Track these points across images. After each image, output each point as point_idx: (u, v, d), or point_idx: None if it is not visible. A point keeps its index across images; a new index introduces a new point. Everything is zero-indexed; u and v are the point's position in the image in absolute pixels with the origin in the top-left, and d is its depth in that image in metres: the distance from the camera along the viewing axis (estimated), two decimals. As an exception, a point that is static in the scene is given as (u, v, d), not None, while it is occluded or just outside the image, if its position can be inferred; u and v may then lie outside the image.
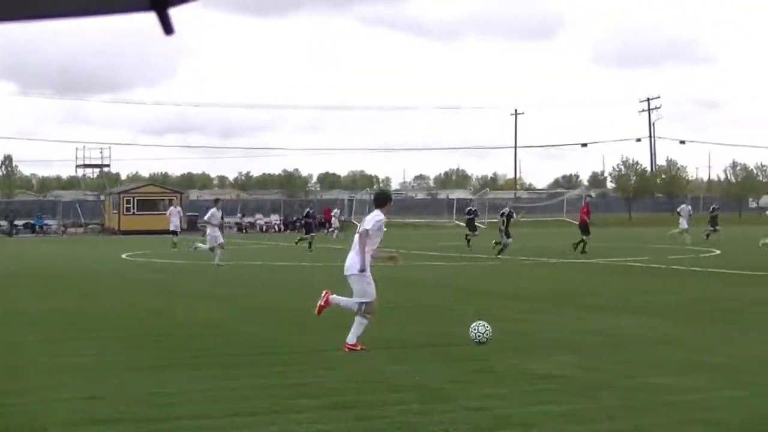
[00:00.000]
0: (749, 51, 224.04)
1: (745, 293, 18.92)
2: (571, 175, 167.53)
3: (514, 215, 35.09)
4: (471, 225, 40.36)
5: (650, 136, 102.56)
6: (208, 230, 29.35)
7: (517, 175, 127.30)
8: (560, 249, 34.91)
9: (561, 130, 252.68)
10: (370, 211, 13.28)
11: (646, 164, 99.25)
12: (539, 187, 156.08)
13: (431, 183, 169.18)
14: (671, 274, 24.94)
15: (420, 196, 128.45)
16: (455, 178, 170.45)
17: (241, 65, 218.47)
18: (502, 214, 33.65)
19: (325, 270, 24.52)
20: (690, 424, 7.58)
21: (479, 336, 11.81)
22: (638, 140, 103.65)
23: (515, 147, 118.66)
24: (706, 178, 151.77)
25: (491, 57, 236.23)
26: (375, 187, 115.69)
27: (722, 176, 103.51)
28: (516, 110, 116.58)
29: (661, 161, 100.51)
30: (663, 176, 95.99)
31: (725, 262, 28.54)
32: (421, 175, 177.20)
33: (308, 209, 45.99)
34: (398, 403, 8.48)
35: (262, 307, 17.39)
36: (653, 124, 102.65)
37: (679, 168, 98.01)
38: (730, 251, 35.29)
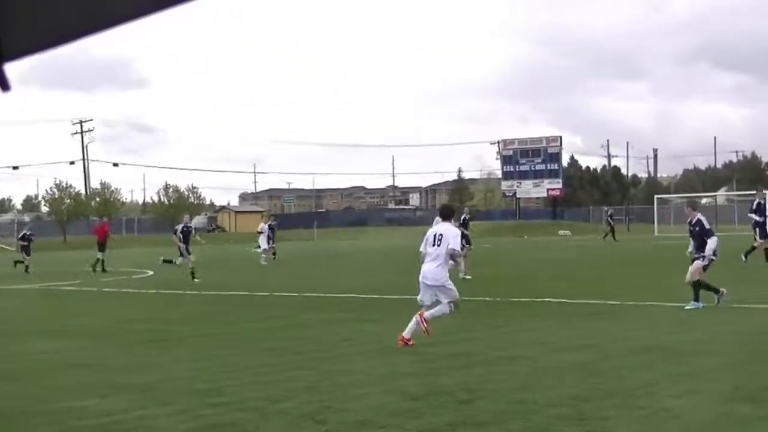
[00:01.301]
0: (180, 76, 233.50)
1: (172, 312, 19.50)
2: (3, 198, 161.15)
3: None
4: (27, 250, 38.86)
5: (84, 159, 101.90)
6: None
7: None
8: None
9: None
10: None
11: (80, 187, 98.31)
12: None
13: None
14: (103, 297, 24.88)
15: None
16: None
17: None
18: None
19: None
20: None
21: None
22: (72, 163, 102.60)
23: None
24: (141, 200, 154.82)
25: None
26: None
27: (156, 198, 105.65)
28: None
29: (95, 184, 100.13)
30: (98, 199, 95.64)
31: (157, 283, 29.19)
32: None
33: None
34: None
35: None
36: (87, 146, 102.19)
37: (113, 190, 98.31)
38: (161, 271, 36.25)
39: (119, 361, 12.42)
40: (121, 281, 30.49)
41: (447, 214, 13.69)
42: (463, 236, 34.59)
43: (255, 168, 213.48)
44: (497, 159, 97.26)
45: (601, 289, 21.31)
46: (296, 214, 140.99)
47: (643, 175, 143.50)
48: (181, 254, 31.00)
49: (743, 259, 28.47)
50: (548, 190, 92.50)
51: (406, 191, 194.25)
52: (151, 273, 35.25)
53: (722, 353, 11.60)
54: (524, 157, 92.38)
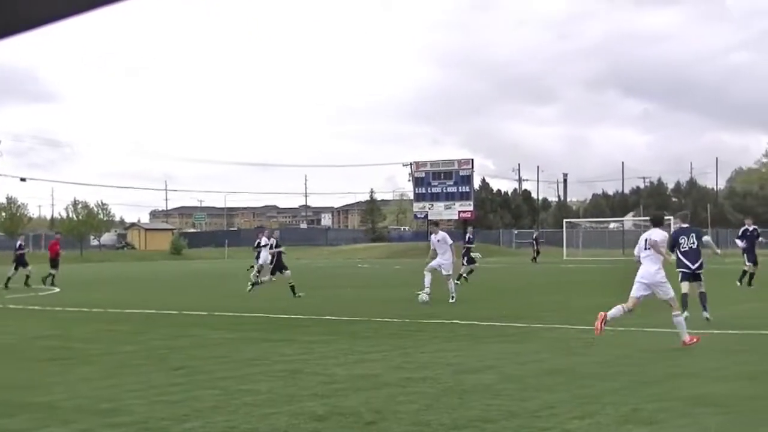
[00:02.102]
0: (90, 90, 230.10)
1: (78, 330, 19.19)
2: None
3: None
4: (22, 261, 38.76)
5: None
6: None
7: None
8: None
9: None
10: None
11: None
12: None
13: None
14: (7, 314, 24.34)
15: None
16: None
17: None
18: None
19: None
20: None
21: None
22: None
23: None
24: (49, 216, 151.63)
25: None
26: None
27: (65, 214, 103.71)
28: None
29: (1, 198, 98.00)
30: (3, 214, 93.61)
31: (63, 300, 28.69)
32: None
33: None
34: None
35: None
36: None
37: (20, 205, 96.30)
38: (70, 288, 35.63)
39: (22, 379, 12.19)
40: (27, 298, 29.86)
41: (657, 222, 16.27)
42: (467, 255, 34.75)
43: (166, 185, 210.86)
44: (409, 180, 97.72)
45: (508, 312, 21.61)
46: (207, 232, 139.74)
47: (553, 199, 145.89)
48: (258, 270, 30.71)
49: (738, 284, 30.18)
50: (460, 212, 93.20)
51: (319, 211, 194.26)
52: (58, 290, 34.63)
53: (623, 375, 11.89)
54: (436, 179, 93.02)
